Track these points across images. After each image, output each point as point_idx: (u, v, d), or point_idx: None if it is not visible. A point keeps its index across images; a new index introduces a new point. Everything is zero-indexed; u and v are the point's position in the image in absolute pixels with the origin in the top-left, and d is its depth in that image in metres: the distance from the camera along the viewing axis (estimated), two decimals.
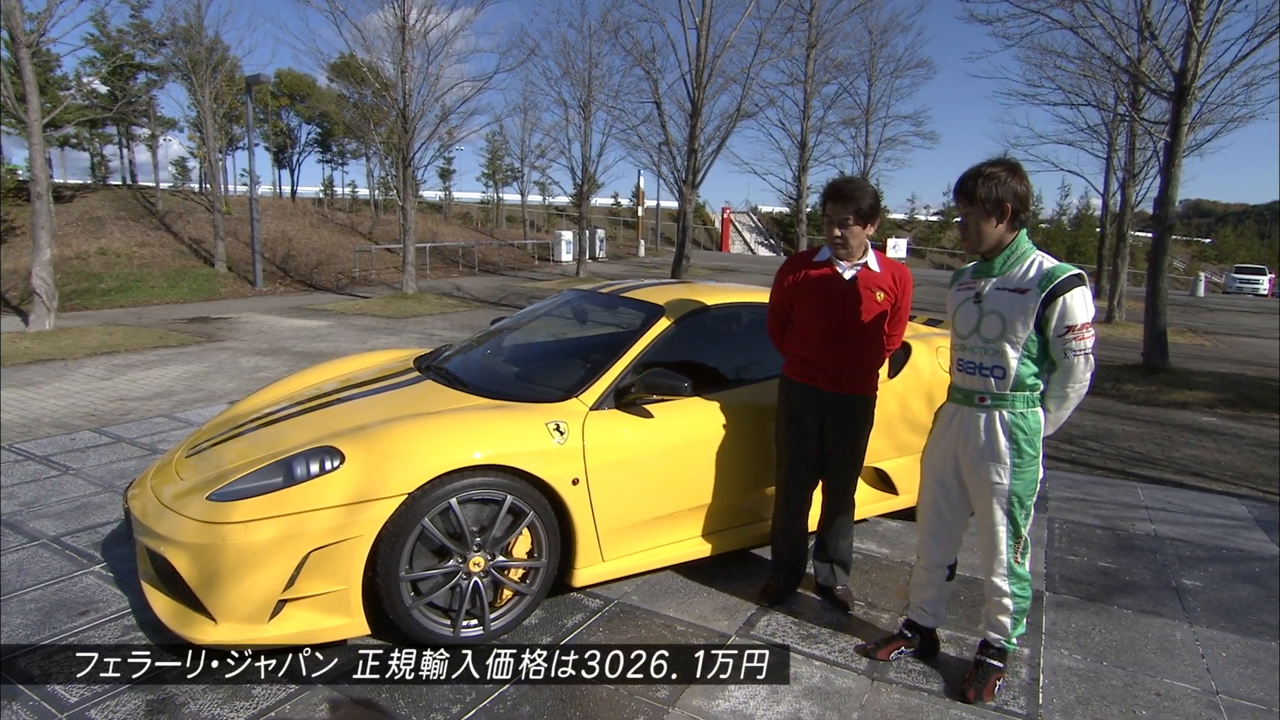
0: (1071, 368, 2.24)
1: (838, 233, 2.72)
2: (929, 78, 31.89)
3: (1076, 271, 2.20)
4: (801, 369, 2.86)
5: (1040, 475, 2.35)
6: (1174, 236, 10.02)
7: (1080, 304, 2.18)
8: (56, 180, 23.91)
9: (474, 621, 2.59)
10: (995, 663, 2.47)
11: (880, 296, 2.79)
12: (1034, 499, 2.36)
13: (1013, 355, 2.27)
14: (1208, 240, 57.40)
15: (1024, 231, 2.32)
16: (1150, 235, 10.80)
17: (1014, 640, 2.47)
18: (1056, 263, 2.24)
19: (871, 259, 2.80)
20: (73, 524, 3.53)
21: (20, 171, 19.22)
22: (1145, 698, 2.47)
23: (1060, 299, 2.18)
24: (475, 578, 2.56)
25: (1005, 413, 2.30)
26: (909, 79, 24.78)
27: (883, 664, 2.59)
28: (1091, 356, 2.24)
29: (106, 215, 20.24)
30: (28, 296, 10.65)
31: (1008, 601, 2.40)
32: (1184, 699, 2.47)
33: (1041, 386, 2.31)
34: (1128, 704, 2.43)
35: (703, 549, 3.11)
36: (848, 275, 2.78)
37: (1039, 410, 2.32)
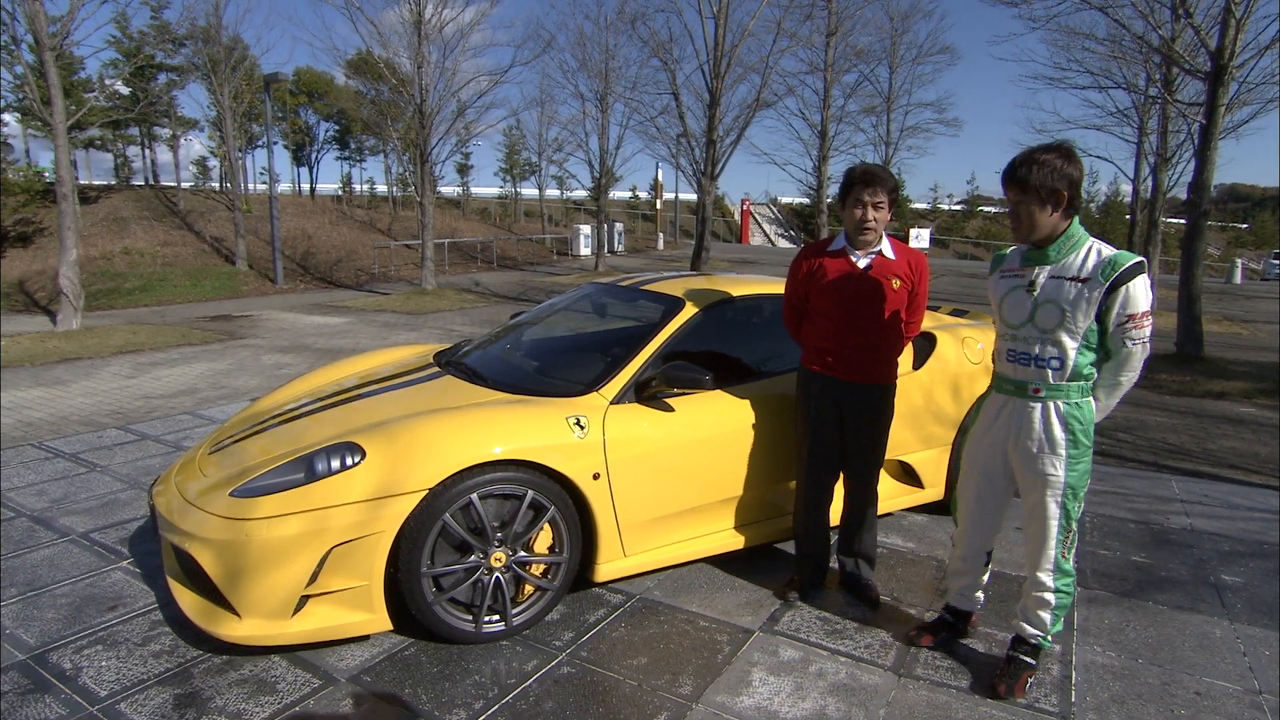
0: (1130, 356, 2.21)
1: (870, 215, 2.66)
2: (952, 64, 31.34)
3: (1139, 259, 2.16)
4: (819, 359, 2.81)
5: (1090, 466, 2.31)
6: (1209, 222, 9.75)
7: (1142, 292, 2.15)
8: (81, 181, 24.37)
9: (496, 617, 2.58)
10: (1028, 659, 2.41)
11: (896, 284, 2.74)
12: (1086, 490, 2.31)
13: (1071, 345, 2.22)
14: (1244, 225, 55.91)
15: (1077, 218, 2.26)
16: (1183, 221, 10.54)
17: (1050, 637, 2.41)
18: (1116, 250, 2.19)
19: (886, 246, 2.76)
20: (101, 520, 3.58)
21: (47, 174, 19.58)
22: (1184, 696, 2.39)
23: (1124, 287, 2.14)
24: (497, 573, 2.55)
25: (1061, 404, 2.26)
26: (931, 65, 24.41)
27: (909, 661, 2.54)
28: (1149, 344, 2.21)
29: (130, 215, 20.59)
30: (55, 296, 10.85)
31: (1050, 597, 2.35)
32: (1225, 698, 2.39)
33: (1095, 375, 2.27)
34: (1165, 702, 2.36)
35: (726, 543, 3.07)
36: (863, 264, 2.73)
37: (1091, 400, 2.28)
